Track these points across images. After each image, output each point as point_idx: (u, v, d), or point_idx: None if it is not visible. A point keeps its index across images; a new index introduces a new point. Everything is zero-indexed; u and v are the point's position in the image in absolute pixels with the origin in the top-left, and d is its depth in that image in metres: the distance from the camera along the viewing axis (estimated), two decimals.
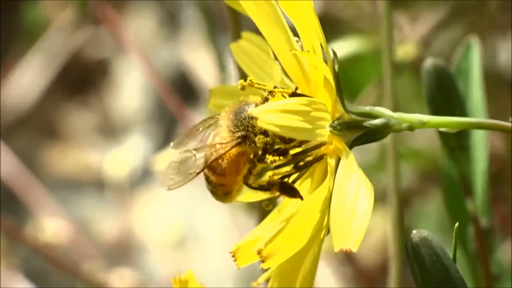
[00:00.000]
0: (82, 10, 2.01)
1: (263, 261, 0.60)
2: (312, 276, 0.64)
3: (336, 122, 0.62)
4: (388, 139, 0.92)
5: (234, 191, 0.68)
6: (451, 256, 0.81)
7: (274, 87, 0.65)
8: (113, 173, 1.77)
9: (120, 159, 1.81)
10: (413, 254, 0.61)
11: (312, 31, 0.62)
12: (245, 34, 0.69)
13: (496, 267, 0.83)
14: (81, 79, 2.18)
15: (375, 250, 1.57)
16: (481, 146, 0.82)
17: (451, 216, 0.85)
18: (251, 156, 0.66)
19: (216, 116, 0.68)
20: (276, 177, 0.65)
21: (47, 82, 2.11)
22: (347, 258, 1.45)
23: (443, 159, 0.83)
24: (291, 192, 0.65)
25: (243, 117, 0.65)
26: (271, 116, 0.60)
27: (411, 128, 0.63)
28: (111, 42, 2.13)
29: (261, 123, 0.60)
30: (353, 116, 0.63)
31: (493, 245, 0.83)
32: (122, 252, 1.86)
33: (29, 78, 2.10)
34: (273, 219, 0.68)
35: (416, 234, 0.61)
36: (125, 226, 1.90)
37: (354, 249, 0.58)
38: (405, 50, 1.18)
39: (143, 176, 1.99)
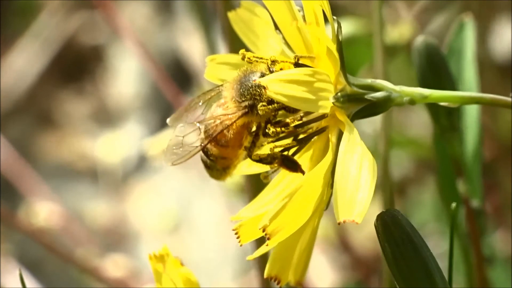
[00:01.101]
0: None
1: (268, 238, 0.59)
2: (311, 248, 0.64)
3: (339, 94, 0.61)
4: (380, 122, 0.92)
5: (233, 165, 0.67)
6: (448, 242, 0.81)
7: (273, 61, 0.64)
8: (108, 160, 1.76)
9: (114, 146, 1.80)
10: (383, 233, 0.60)
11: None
12: (244, 3, 0.68)
13: (488, 249, 0.82)
14: (76, 65, 2.17)
15: (370, 239, 1.57)
16: (473, 127, 0.81)
17: (444, 198, 0.84)
18: (255, 128, 0.65)
19: (217, 88, 0.67)
20: (276, 150, 0.65)
21: (41, 68, 2.10)
22: (343, 247, 1.45)
23: (435, 140, 0.82)
24: (293, 166, 0.65)
25: (250, 85, 0.64)
26: (279, 86, 0.59)
27: (412, 101, 0.63)
28: (106, 28, 2.12)
29: (270, 93, 0.59)
30: (355, 89, 0.62)
31: (485, 227, 0.82)
32: (116, 239, 1.86)
33: (23, 64, 2.09)
34: (267, 194, 0.67)
35: (385, 213, 0.60)
36: (119, 213, 1.89)
37: (359, 220, 0.57)
38: (400, 32, 1.17)
39: (138, 164, 1.99)
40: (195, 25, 1.25)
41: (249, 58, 0.65)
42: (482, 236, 0.81)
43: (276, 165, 0.65)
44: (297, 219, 0.61)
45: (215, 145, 0.66)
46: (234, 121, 0.64)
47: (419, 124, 1.61)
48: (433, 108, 0.76)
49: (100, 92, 2.15)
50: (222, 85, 0.67)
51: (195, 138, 0.65)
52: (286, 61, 0.64)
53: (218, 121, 0.65)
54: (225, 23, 0.94)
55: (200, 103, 0.69)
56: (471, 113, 0.82)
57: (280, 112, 0.64)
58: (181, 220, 1.87)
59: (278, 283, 0.64)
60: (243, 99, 0.64)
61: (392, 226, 0.60)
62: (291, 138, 0.65)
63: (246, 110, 0.64)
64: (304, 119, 0.64)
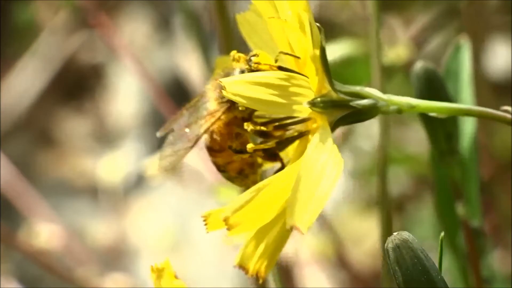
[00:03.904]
0: (74, 14, 2.01)
1: (228, 229, 0.59)
2: (278, 245, 0.63)
3: (319, 99, 0.61)
4: (378, 139, 0.92)
5: (245, 167, 0.66)
6: (438, 261, 0.81)
7: (256, 63, 0.64)
8: (107, 178, 1.77)
9: (114, 164, 1.80)
10: (394, 256, 0.60)
11: (300, 5, 0.61)
12: (252, 6, 0.67)
13: (487, 270, 0.82)
14: (76, 84, 2.17)
15: (369, 255, 1.57)
16: (470, 148, 0.82)
17: (442, 220, 0.84)
18: (241, 125, 0.65)
19: (200, 93, 0.67)
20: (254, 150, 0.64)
21: (41, 87, 2.10)
22: (341, 263, 1.45)
23: (432, 163, 0.82)
24: (274, 157, 0.64)
25: None
26: (240, 87, 0.59)
27: (399, 111, 0.62)
28: (105, 47, 2.13)
29: (227, 94, 0.59)
30: (341, 95, 0.62)
31: (484, 248, 0.82)
32: (116, 257, 1.86)
33: (23, 83, 2.10)
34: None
35: (396, 236, 0.60)
36: (119, 232, 1.89)
37: (304, 231, 0.56)
38: (397, 53, 1.18)
39: (138, 182, 1.99)
40: (192, 44, 1.26)
41: (233, 56, 0.65)
42: (481, 256, 0.81)
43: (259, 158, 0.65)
44: (260, 216, 0.60)
45: (214, 154, 0.66)
46: (218, 117, 0.65)
47: (418, 141, 1.62)
48: (432, 132, 0.76)
49: (100, 110, 2.16)
50: (205, 87, 0.67)
51: (185, 141, 0.66)
52: (269, 64, 0.64)
53: (203, 120, 0.65)
54: (223, 42, 0.95)
55: (185, 111, 0.69)
56: (468, 134, 0.83)
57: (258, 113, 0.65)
58: (180, 237, 1.87)
59: (246, 274, 0.63)
60: (224, 97, 0.63)
61: (403, 250, 0.60)
62: (274, 141, 0.65)
63: (228, 105, 0.64)
64: (287, 122, 0.64)
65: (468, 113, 0.65)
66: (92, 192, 1.93)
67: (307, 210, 0.57)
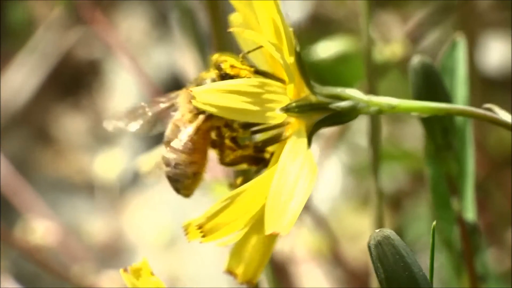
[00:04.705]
0: (68, 10, 2.00)
1: (203, 236, 0.59)
2: (266, 250, 0.63)
3: (294, 104, 0.61)
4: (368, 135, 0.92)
5: (202, 170, 0.66)
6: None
7: (232, 66, 0.64)
8: (104, 175, 1.76)
9: (111, 161, 1.80)
10: (376, 253, 0.60)
11: (272, 7, 0.60)
12: None
13: (482, 268, 0.82)
14: (73, 80, 2.17)
15: (365, 252, 1.57)
16: (466, 144, 0.81)
17: (437, 216, 0.84)
18: (219, 131, 0.65)
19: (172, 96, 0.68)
20: (232, 156, 0.65)
21: (37, 84, 2.10)
22: (337, 260, 1.45)
23: (428, 158, 0.82)
24: (260, 160, 0.65)
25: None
26: (210, 96, 0.58)
27: (380, 111, 0.63)
28: (102, 43, 2.13)
29: (197, 103, 0.58)
30: (320, 97, 0.62)
31: (479, 245, 0.82)
32: (113, 254, 1.86)
33: (20, 79, 2.09)
34: None
35: (378, 233, 0.60)
36: (116, 229, 1.89)
37: (285, 233, 0.57)
38: (392, 50, 1.18)
39: (134, 179, 1.99)
40: (188, 41, 1.26)
41: (212, 60, 0.65)
42: (476, 253, 0.81)
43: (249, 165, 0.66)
44: (236, 222, 0.60)
45: (182, 150, 0.66)
46: (198, 128, 0.65)
47: (414, 137, 1.61)
48: (429, 126, 0.76)
49: (97, 107, 2.16)
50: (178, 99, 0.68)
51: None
52: (247, 69, 0.64)
53: (183, 128, 0.66)
54: (217, 40, 0.95)
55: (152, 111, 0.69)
56: (464, 130, 0.82)
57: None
58: (177, 235, 1.87)
59: (235, 279, 0.64)
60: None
61: (385, 246, 0.60)
62: (252, 147, 0.65)
63: (204, 115, 0.65)
64: (263, 127, 0.64)
65: (449, 111, 0.65)
66: (89, 189, 1.93)
67: (285, 216, 0.57)
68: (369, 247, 0.61)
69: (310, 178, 0.58)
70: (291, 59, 0.61)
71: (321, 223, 1.38)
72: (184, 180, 0.67)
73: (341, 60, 1.16)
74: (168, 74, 2.12)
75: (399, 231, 1.53)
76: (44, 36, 2.08)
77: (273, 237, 0.63)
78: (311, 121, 0.62)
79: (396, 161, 1.52)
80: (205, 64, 1.20)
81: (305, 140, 0.60)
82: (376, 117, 0.94)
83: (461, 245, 0.82)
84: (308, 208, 1.33)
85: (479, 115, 0.64)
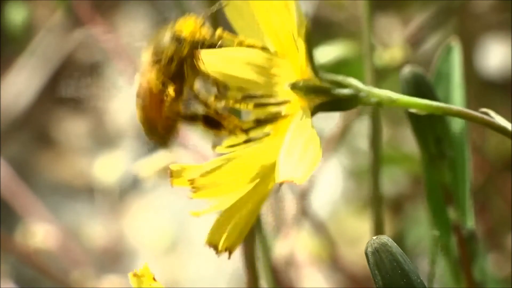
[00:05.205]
0: (69, 13, 2.00)
1: (192, 191, 0.59)
2: (247, 221, 0.63)
3: (302, 83, 0.61)
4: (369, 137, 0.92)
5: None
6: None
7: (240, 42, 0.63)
8: (104, 179, 1.76)
9: (111, 164, 1.80)
10: (373, 260, 0.60)
11: None
12: None
13: (480, 274, 0.82)
14: (73, 83, 2.17)
15: (363, 256, 1.56)
16: (462, 152, 0.81)
17: (434, 224, 0.84)
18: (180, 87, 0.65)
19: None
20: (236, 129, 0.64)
21: (38, 87, 2.10)
22: (337, 264, 1.45)
23: (423, 167, 0.82)
24: (216, 124, 0.64)
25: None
26: (220, 63, 0.59)
27: (379, 103, 0.63)
28: (103, 46, 2.13)
29: (205, 68, 0.58)
30: (323, 82, 0.62)
31: (476, 252, 0.82)
32: (113, 258, 1.86)
33: (21, 82, 2.10)
34: None
35: (375, 240, 0.60)
36: (116, 232, 1.89)
37: (301, 181, 0.56)
38: (391, 54, 1.18)
39: (135, 182, 1.99)
40: None
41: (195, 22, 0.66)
42: (473, 260, 0.81)
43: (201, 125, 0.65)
44: (226, 185, 0.60)
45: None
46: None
47: (415, 140, 1.61)
48: (422, 136, 0.76)
49: (98, 110, 2.16)
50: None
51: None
52: (253, 44, 0.63)
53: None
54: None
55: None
56: (459, 136, 0.82)
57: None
58: (178, 238, 1.87)
59: (215, 251, 0.64)
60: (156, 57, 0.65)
61: (382, 253, 0.60)
62: (253, 121, 0.65)
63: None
64: (263, 101, 0.63)
65: (446, 111, 0.65)
66: (89, 192, 1.93)
67: (302, 165, 0.57)
68: (366, 254, 0.61)
69: (317, 153, 0.58)
70: (301, 33, 0.61)
71: (320, 227, 1.38)
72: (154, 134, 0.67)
73: (340, 64, 1.16)
74: None
75: (400, 235, 1.53)
76: (44, 40, 2.09)
77: (255, 212, 0.62)
78: (311, 103, 0.62)
79: (397, 164, 1.51)
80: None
81: (310, 120, 0.60)
82: (376, 119, 0.94)
83: (458, 252, 0.82)
84: (307, 211, 1.33)
85: (475, 117, 0.65)
